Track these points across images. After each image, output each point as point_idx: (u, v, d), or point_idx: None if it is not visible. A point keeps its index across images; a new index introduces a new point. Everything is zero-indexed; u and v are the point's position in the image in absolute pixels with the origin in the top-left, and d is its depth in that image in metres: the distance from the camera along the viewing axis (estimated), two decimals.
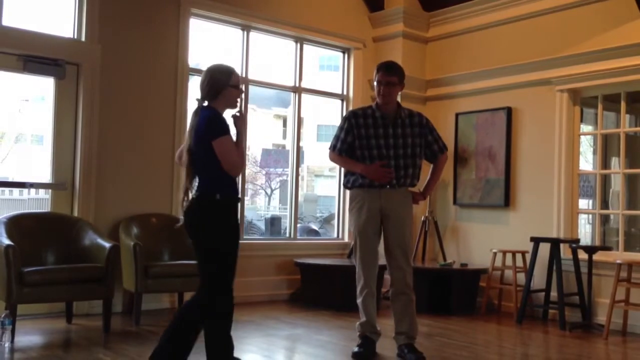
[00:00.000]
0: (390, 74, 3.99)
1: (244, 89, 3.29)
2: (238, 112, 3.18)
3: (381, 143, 3.97)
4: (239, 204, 3.31)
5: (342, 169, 4.26)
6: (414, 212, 6.85)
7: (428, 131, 4.10)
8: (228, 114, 3.20)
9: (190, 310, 3.12)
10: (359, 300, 4.08)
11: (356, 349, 4.05)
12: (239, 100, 3.23)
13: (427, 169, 4.24)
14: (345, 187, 4.18)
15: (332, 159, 4.18)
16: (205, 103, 3.15)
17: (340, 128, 4.10)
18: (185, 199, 3.12)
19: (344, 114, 4.20)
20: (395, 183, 3.98)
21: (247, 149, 6.45)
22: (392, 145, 3.96)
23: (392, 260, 4.03)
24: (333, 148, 4.12)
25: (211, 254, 3.09)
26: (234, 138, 3.13)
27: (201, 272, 3.15)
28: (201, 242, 3.11)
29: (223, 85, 3.15)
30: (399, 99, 4.19)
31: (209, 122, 3.06)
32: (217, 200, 3.07)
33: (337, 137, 4.10)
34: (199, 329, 3.12)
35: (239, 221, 3.32)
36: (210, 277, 3.10)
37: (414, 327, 4.01)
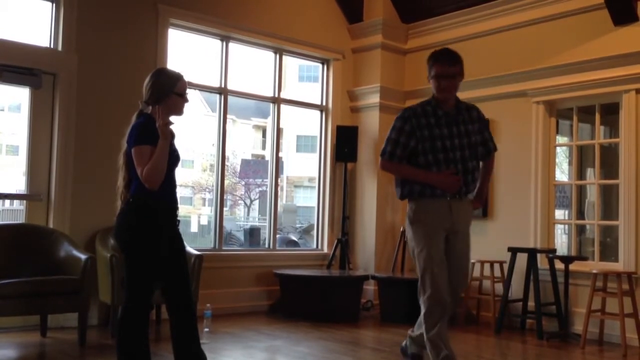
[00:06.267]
0: (455, 65, 3.49)
1: (189, 97, 3.17)
2: (168, 123, 3.02)
3: (447, 145, 3.44)
4: (175, 212, 3.17)
5: (397, 178, 3.62)
6: (390, 222, 6.94)
7: (485, 127, 3.67)
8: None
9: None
10: (432, 334, 3.40)
11: None
12: (184, 108, 3.13)
13: None
14: (407, 197, 3.54)
15: (388, 168, 3.58)
16: (149, 108, 3.06)
17: (399, 130, 3.49)
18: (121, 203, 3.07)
19: (400, 113, 3.55)
20: (464, 190, 3.48)
21: (226, 161, 6.44)
22: (457, 146, 3.46)
23: (450, 278, 3.49)
24: (390, 155, 3.50)
25: (127, 259, 3.04)
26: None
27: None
28: (121, 246, 3.08)
29: (167, 91, 3.06)
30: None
31: (135, 129, 3.01)
32: (144, 205, 3.00)
33: (395, 142, 3.49)
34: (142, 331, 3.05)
35: (172, 230, 3.14)
36: (126, 283, 3.06)
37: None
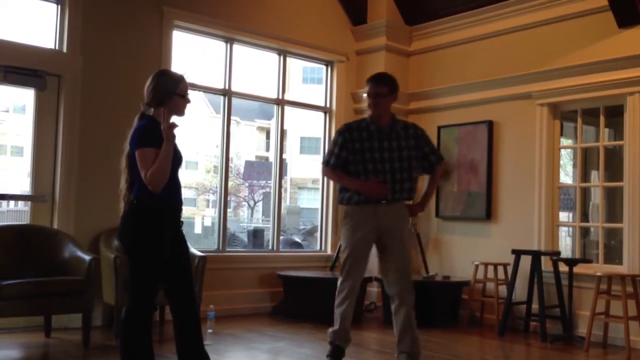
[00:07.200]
0: (378, 85, 3.94)
1: (191, 98, 3.18)
2: (172, 122, 3.01)
3: (376, 157, 3.89)
4: (179, 213, 3.17)
5: (337, 185, 4.15)
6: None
7: (424, 143, 4.04)
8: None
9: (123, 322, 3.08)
10: (338, 310, 3.98)
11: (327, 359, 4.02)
12: (185, 109, 3.13)
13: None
14: (341, 203, 4.08)
15: (326, 174, 4.11)
16: (151, 110, 3.06)
17: (334, 143, 4.01)
18: (125, 206, 3.07)
19: (338, 127, 4.12)
20: (390, 198, 3.90)
21: (230, 162, 6.45)
22: (387, 158, 3.89)
23: (391, 277, 3.94)
24: (326, 163, 4.02)
25: (131, 260, 3.05)
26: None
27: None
28: (124, 247, 3.09)
29: (169, 92, 3.06)
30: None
31: (137, 132, 3.01)
32: (147, 207, 3.01)
33: (330, 152, 4.01)
34: (145, 333, 3.05)
35: (175, 231, 3.14)
36: (130, 285, 3.06)
37: (415, 345, 3.90)
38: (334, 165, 3.97)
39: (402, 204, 3.99)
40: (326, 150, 4.12)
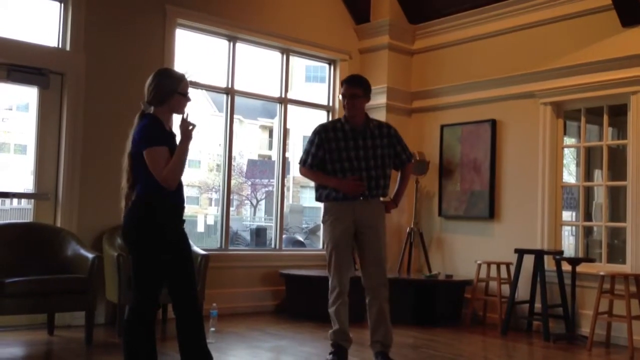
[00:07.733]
0: (354, 87, 4.06)
1: (191, 97, 3.20)
2: (191, 125, 3.05)
3: (352, 155, 4.03)
4: (182, 212, 3.18)
5: (314, 183, 4.28)
6: (397, 223, 6.93)
7: (396, 141, 4.18)
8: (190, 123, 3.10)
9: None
10: (331, 309, 4.08)
11: (329, 357, 4.08)
12: (186, 108, 3.14)
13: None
14: (318, 200, 4.23)
15: (303, 173, 4.23)
16: (152, 109, 3.07)
17: (311, 142, 4.14)
18: (127, 205, 3.07)
19: (314, 128, 4.23)
20: (367, 194, 4.03)
21: (233, 161, 6.46)
22: (362, 157, 4.03)
23: (368, 270, 4.06)
24: (303, 163, 4.15)
25: (134, 258, 3.06)
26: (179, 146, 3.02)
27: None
28: (128, 246, 3.10)
29: (170, 91, 3.07)
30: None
31: (143, 131, 3.01)
32: (150, 206, 3.01)
33: (307, 152, 4.14)
34: (147, 330, 3.06)
35: (180, 230, 3.16)
36: (133, 283, 3.07)
37: (388, 336, 4.04)
38: (311, 164, 4.11)
39: (378, 201, 4.11)
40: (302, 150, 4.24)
